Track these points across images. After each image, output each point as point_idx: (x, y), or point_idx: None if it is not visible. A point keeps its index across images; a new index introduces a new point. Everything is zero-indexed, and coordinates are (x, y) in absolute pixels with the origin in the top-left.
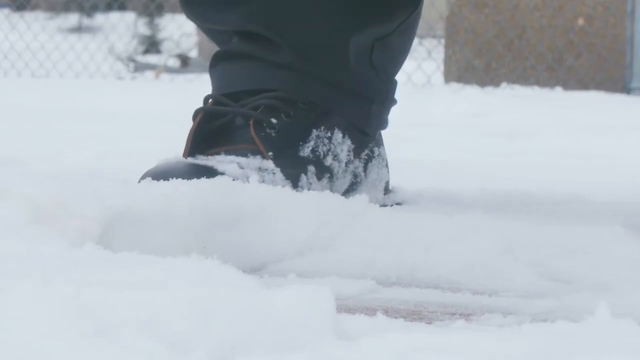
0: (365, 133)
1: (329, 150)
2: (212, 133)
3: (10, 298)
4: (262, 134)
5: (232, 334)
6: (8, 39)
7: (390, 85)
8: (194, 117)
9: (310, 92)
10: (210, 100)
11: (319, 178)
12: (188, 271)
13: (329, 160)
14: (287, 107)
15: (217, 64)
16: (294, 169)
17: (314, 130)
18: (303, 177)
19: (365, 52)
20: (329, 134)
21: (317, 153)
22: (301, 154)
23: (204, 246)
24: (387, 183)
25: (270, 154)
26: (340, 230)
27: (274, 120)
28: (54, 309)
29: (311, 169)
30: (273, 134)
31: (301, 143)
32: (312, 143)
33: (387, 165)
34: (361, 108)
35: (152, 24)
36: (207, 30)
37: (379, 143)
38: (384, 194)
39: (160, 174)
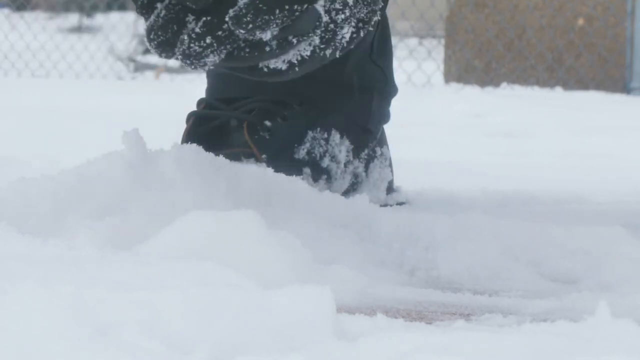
0: (368, 130)
1: (325, 151)
2: (205, 137)
3: (10, 298)
4: (256, 136)
5: (232, 334)
6: (8, 39)
7: (388, 71)
8: (187, 120)
9: (306, 93)
10: (202, 104)
11: (315, 180)
12: (188, 271)
13: (326, 162)
14: (281, 109)
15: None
16: (288, 172)
17: (310, 132)
18: None
19: (366, 37)
20: (325, 135)
21: (313, 155)
22: (296, 156)
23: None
24: (391, 183)
25: (264, 156)
26: (340, 230)
27: (268, 123)
28: (54, 309)
29: (306, 171)
30: (267, 137)
31: (296, 145)
32: (307, 145)
33: (390, 165)
34: (361, 103)
35: None
36: None
37: (382, 143)
38: (387, 193)
39: None
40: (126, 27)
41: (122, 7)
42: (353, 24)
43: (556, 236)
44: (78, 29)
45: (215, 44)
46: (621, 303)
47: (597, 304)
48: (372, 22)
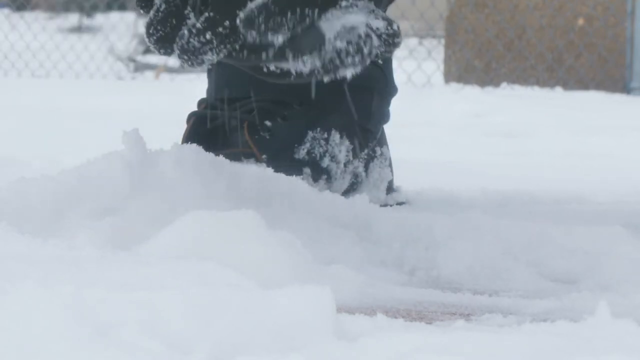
0: (368, 130)
1: (325, 151)
2: (206, 137)
3: (10, 298)
4: (256, 137)
5: (232, 334)
6: (8, 39)
7: (388, 71)
8: (188, 120)
9: (306, 93)
10: (203, 104)
11: (315, 179)
12: (188, 271)
13: (326, 162)
14: (281, 109)
15: (212, 67)
16: (288, 172)
17: (310, 132)
18: None
19: None
20: (325, 135)
21: (313, 155)
22: (296, 156)
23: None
24: (391, 183)
25: (264, 157)
26: (340, 230)
27: (268, 123)
28: (54, 309)
29: (306, 171)
30: (267, 137)
31: (296, 145)
32: (307, 145)
33: (390, 165)
34: (362, 103)
35: None
36: None
37: (382, 142)
38: (387, 193)
39: None
40: (126, 27)
41: (122, 7)
42: (359, 66)
43: (556, 236)
44: (78, 29)
45: (214, 41)
46: (621, 303)
47: (597, 304)
48: (378, 60)
